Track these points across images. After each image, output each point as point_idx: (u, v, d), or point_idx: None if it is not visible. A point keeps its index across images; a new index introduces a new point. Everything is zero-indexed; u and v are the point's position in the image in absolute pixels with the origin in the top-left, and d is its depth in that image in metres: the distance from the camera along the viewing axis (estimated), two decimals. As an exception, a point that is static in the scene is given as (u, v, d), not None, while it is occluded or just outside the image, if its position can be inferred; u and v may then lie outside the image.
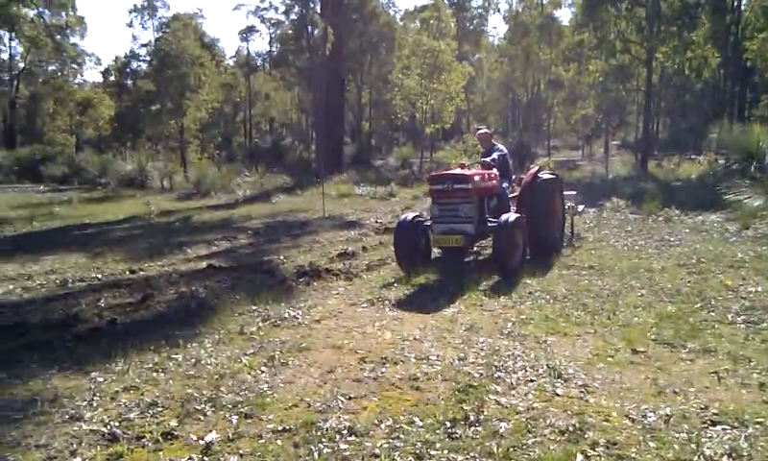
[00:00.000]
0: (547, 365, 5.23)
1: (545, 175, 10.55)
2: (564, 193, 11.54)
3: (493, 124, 67.76)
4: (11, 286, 8.54)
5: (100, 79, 60.56)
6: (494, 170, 9.77)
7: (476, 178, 9.08)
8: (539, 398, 4.59)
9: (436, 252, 10.07)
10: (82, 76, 61.22)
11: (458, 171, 9.51)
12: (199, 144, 36.61)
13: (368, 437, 4.00)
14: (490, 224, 9.08)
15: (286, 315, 6.87)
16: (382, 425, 4.15)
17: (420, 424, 4.15)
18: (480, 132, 11.06)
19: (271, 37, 63.89)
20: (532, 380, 4.92)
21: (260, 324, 6.58)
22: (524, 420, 4.20)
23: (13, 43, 50.89)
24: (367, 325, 6.54)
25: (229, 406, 4.46)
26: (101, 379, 5.04)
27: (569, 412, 4.34)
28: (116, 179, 27.18)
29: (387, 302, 7.62)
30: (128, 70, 52.83)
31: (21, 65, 52.24)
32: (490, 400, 4.54)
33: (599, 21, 31.76)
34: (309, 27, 35.04)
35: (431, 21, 39.86)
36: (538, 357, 5.47)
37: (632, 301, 7.45)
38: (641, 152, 32.92)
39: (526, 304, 7.37)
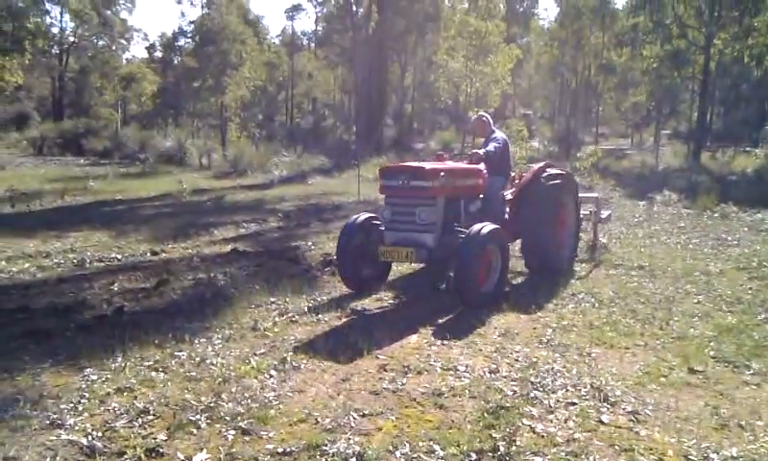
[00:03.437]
0: (591, 384, 4.59)
1: (552, 173, 8.26)
2: (582, 195, 9.49)
3: (540, 109, 66.37)
4: (26, 265, 8.21)
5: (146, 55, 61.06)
6: (482, 165, 7.66)
7: (442, 173, 6.83)
8: (581, 426, 3.96)
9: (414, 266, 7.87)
10: (129, 51, 61.88)
11: (416, 163, 7.37)
12: (239, 122, 36.34)
13: (379, 467, 3.45)
14: (461, 236, 6.74)
15: (305, 309, 6.37)
16: (397, 453, 3.58)
17: (442, 454, 3.58)
18: (475, 117, 8.64)
19: (317, 16, 63.54)
20: (573, 403, 4.30)
21: (276, 319, 6.08)
22: (563, 455, 3.58)
23: (65, 17, 51.65)
24: (392, 324, 5.96)
25: (228, 419, 3.95)
26: (94, 377, 4.58)
27: (617, 447, 3.71)
28: (155, 155, 27.10)
29: (417, 298, 7.05)
30: (174, 46, 52.99)
31: (71, 39, 52.94)
32: (523, 425, 3.93)
33: (656, 4, 30.45)
34: (354, 5, 34.43)
35: (479, 1, 38.83)
36: (580, 374, 4.84)
37: (687, 308, 6.74)
38: (695, 142, 31.57)
39: (568, 308, 6.71)
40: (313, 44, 68.70)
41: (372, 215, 7.52)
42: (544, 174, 8.14)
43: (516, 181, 8.48)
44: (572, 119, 46.09)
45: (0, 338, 5.39)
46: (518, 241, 8.23)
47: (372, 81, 30.07)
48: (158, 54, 57.86)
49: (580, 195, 9.19)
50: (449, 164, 7.53)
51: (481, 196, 7.65)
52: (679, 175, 22.31)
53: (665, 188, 17.18)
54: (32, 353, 4.99)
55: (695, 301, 7.04)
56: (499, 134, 8.20)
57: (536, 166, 8.47)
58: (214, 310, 6.29)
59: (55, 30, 51.23)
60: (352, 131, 42.87)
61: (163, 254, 9.17)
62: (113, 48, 55.86)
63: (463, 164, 7.82)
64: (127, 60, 60.01)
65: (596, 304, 6.85)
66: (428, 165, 7.01)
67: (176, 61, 50.49)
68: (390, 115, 47.39)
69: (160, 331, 5.59)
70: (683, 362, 5.16)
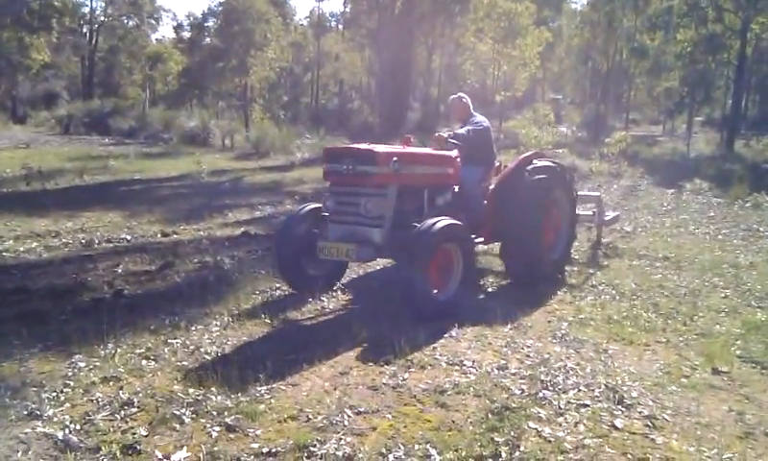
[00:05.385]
0: (606, 385, 4.29)
1: (541, 164, 7.08)
2: (582, 194, 8.49)
3: (570, 94, 65.28)
4: (34, 244, 8.07)
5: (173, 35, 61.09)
6: (455, 152, 6.60)
7: (395, 158, 5.80)
8: (592, 431, 3.67)
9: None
10: (158, 31, 62.06)
11: (363, 146, 6.13)
12: (263, 103, 36.22)
13: (368, 472, 3.20)
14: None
15: (310, 297, 6.11)
16: (390, 457, 3.33)
17: (438, 458, 3.32)
18: (453, 97, 7.54)
19: (345, -3, 62.96)
20: (585, 405, 4.01)
21: (279, 305, 5.85)
22: (570, 463, 3.30)
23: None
24: (398, 314, 5.67)
25: (214, 413, 3.72)
26: (82, 364, 4.39)
27: (629, 455, 3.43)
28: (179, 135, 27.03)
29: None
30: (203, 26, 52.97)
31: (101, 19, 53.21)
32: (529, 429, 3.65)
33: (691, -14, 29.57)
34: (381, -15, 33.88)
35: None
36: (595, 372, 4.54)
37: (713, 303, 6.39)
38: (728, 130, 30.76)
39: (587, 300, 6.40)
40: (341, 26, 68.22)
41: (320, 205, 6.42)
42: (531, 165, 6.99)
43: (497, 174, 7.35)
44: (602, 104, 45.14)
45: (-8, 321, 5.23)
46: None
47: (396, 63, 29.63)
48: (186, 34, 57.84)
49: (580, 193, 8.24)
50: (409, 149, 6.43)
51: (456, 189, 6.74)
52: (710, 163, 21.75)
53: (696, 176, 16.67)
54: (22, 338, 4.79)
55: (722, 295, 6.70)
56: (480, 118, 7.18)
57: (521, 156, 7.32)
58: (216, 296, 6.07)
59: (85, 10, 51.64)
60: (377, 113, 42.46)
61: (174, 236, 9.00)
62: (142, 28, 56.00)
63: (428, 149, 6.83)
64: (157, 40, 60.11)
65: (617, 297, 6.54)
66: (378, 148, 5.94)
67: (204, 42, 50.43)
68: (416, 98, 46.92)
69: (157, 317, 5.41)
70: (706, 362, 4.85)
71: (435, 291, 5.63)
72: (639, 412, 3.94)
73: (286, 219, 6.56)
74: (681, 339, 5.37)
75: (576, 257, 8.13)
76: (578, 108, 53.36)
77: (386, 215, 5.82)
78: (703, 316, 5.98)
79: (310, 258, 6.16)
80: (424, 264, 5.42)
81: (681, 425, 3.81)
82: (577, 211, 7.88)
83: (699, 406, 4.08)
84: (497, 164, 7.37)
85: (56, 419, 3.63)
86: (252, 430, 3.56)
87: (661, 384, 4.41)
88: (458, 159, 6.55)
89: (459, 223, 5.81)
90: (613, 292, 6.68)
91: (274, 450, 3.35)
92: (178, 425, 3.60)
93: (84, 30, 53.64)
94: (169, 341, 4.88)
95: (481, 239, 6.67)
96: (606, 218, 8.62)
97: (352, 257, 5.80)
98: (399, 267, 5.68)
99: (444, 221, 5.60)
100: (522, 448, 3.42)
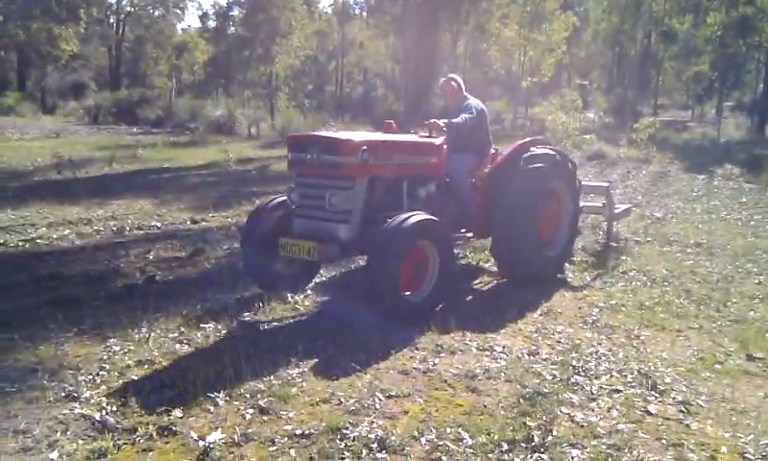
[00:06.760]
0: (638, 370, 4.27)
1: (537, 152, 6.39)
2: (589, 184, 7.84)
3: (596, 79, 64.48)
4: (66, 231, 8.20)
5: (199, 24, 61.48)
6: (441, 139, 6.00)
7: (364, 147, 5.22)
8: (625, 416, 3.66)
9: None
10: (183, 21, 62.52)
11: (330, 134, 5.79)
12: (288, 92, 36.35)
13: (401, 455, 3.21)
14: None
15: (339, 282, 6.13)
16: (422, 440, 3.34)
17: (470, 442, 3.32)
18: (443, 80, 6.85)
19: (370, -16, 62.73)
20: (618, 390, 3.99)
21: (309, 291, 5.87)
22: (604, 448, 3.29)
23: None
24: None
25: (247, 396, 3.77)
26: (117, 348, 4.47)
27: (664, 441, 3.40)
28: (205, 124, 27.21)
29: (459, 270, 6.73)
30: (228, 16, 53.29)
31: (128, 9, 53.77)
32: (562, 414, 3.65)
33: (721, -32, 28.98)
34: (405, -29, 33.64)
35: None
36: (627, 358, 4.51)
37: (747, 289, 6.30)
38: (759, 114, 30.18)
39: (618, 287, 6.34)
40: (365, 13, 68.08)
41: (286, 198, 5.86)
42: (527, 152, 6.37)
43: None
44: (630, 89, 44.51)
45: (28, 305, 5.34)
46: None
47: (421, 49, 29.48)
48: (211, 23, 58.22)
49: (587, 183, 7.68)
50: (383, 136, 5.92)
51: (448, 179, 6.21)
52: (741, 148, 21.40)
53: (726, 162, 16.43)
54: (57, 323, 4.87)
55: (756, 281, 6.60)
56: (473, 101, 6.46)
57: (517, 143, 6.67)
58: (246, 282, 6.11)
59: (112, 0, 52.20)
60: (402, 101, 42.25)
61: (203, 223, 9.09)
62: (168, 18, 56.49)
63: (409, 137, 6.16)
64: (183, 29, 60.58)
65: (648, 283, 6.48)
66: (344, 136, 5.47)
67: (229, 31, 50.71)
68: (441, 85, 46.63)
69: (189, 302, 5.48)
70: (740, 348, 4.80)
71: (407, 292, 5.15)
72: (673, 398, 3.91)
73: (252, 212, 6.15)
74: (714, 325, 5.31)
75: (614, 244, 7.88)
76: (605, 93, 52.67)
77: (354, 210, 5.32)
78: (736, 302, 5.90)
79: (278, 255, 5.61)
80: (394, 264, 4.92)
81: (715, 411, 3.77)
82: (584, 203, 7.32)
83: (734, 392, 4.03)
84: (493, 152, 6.71)
85: (93, 400, 3.71)
86: (284, 413, 3.60)
87: (695, 370, 4.37)
88: (444, 147, 6.00)
89: (434, 218, 5.28)
90: (645, 278, 6.62)
91: (307, 432, 3.38)
92: (212, 408, 3.65)
93: (111, 20, 54.36)
94: (201, 326, 4.94)
95: (470, 234, 6.23)
96: (616, 210, 7.82)
97: (314, 256, 5.24)
98: (367, 266, 5.22)
99: (417, 216, 5.09)
100: (555, 433, 3.41)
